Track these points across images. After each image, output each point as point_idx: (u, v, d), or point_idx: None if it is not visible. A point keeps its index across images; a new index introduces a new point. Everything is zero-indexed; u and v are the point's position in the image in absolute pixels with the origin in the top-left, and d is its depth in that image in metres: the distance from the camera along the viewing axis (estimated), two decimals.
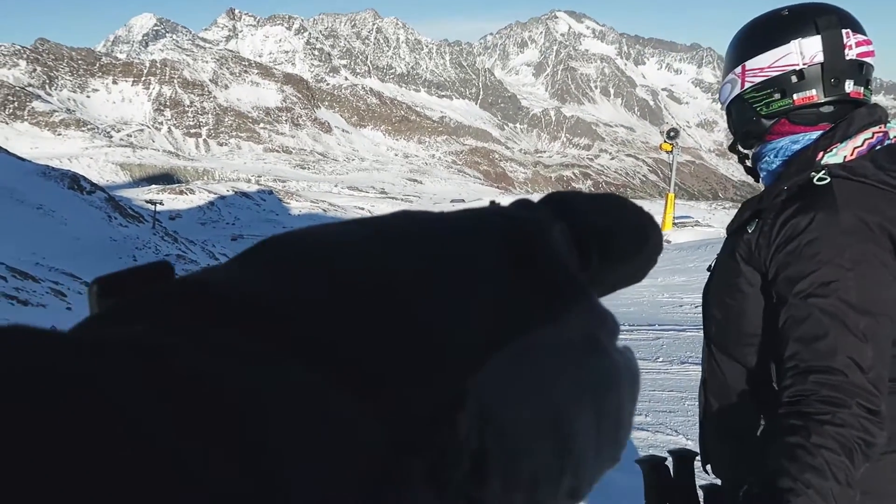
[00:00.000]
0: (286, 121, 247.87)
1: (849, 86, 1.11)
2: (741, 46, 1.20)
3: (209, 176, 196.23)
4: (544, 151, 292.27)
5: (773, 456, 0.92)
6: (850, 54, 1.10)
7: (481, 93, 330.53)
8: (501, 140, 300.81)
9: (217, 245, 71.54)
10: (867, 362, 0.92)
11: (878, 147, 1.06)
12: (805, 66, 1.10)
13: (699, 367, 1.31)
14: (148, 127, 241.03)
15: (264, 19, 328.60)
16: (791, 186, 1.07)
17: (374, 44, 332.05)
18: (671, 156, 22.84)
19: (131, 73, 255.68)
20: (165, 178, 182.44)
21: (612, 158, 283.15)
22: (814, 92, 1.11)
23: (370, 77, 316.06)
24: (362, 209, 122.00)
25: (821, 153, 1.06)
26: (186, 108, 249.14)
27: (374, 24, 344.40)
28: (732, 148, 1.28)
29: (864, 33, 1.13)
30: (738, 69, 1.19)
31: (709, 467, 1.25)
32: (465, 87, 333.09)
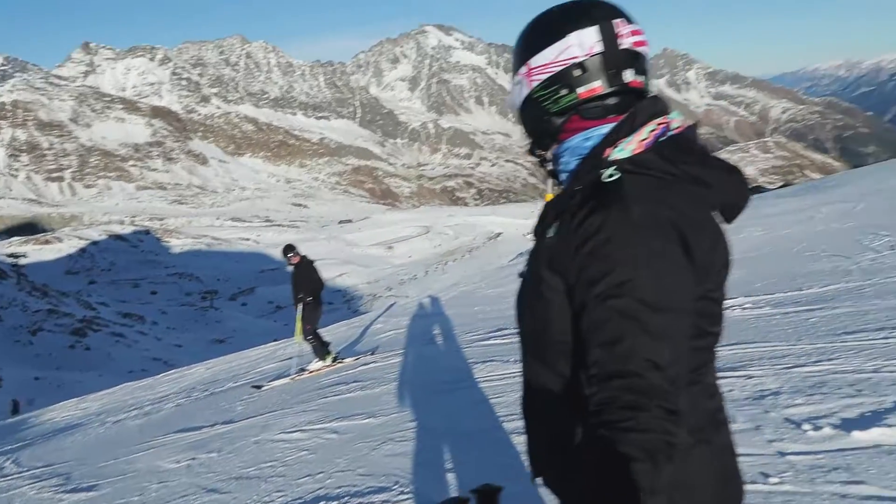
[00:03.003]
0: (158, 156, 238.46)
1: (628, 75, 1.11)
2: (524, 46, 1.17)
3: (78, 221, 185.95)
4: (427, 164, 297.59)
5: (584, 468, 0.92)
6: (625, 43, 1.10)
7: (359, 111, 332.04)
8: (384, 157, 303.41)
9: (93, 294, 69.56)
10: (664, 361, 0.91)
11: (663, 138, 1.06)
12: (586, 58, 1.09)
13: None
14: (3, 175, 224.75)
15: (124, 51, 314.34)
16: (584, 186, 1.06)
17: (245, 69, 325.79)
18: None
19: None
20: (28, 229, 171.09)
21: (493, 165, 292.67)
22: (598, 84, 1.10)
23: (244, 104, 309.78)
24: (248, 240, 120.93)
25: (609, 149, 1.06)
26: (45, 152, 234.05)
27: (242, 50, 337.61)
28: (531, 151, 1.22)
29: (636, 23, 1.13)
30: (524, 69, 1.15)
31: (539, 480, 1.21)
32: (343, 106, 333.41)
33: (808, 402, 3.31)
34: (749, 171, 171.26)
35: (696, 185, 1.04)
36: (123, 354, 49.67)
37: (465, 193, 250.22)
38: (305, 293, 8.32)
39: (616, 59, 1.10)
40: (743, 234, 12.73)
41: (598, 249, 0.97)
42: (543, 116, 1.15)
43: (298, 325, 8.45)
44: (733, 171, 1.10)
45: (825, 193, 16.00)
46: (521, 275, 1.20)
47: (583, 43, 1.09)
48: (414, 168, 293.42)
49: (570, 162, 1.14)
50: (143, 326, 60.17)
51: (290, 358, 9.40)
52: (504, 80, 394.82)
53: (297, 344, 8.79)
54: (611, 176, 1.03)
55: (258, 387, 7.85)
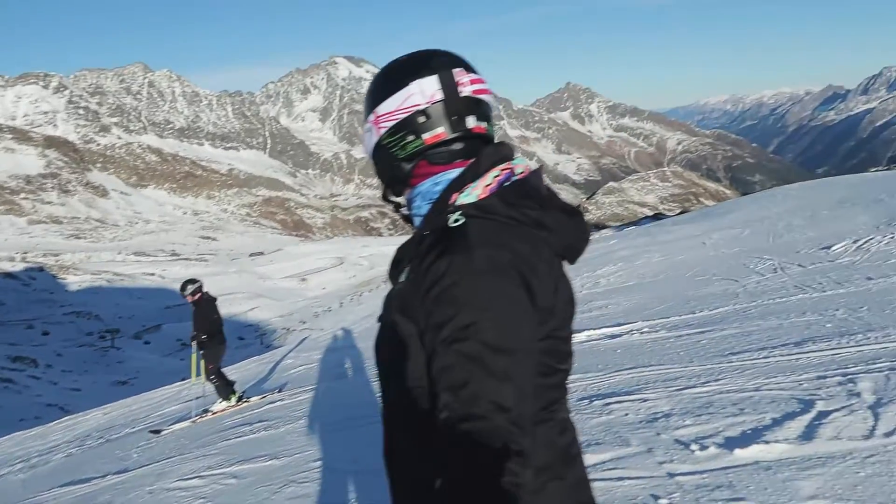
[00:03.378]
0: (53, 188, 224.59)
1: (471, 122, 1.16)
2: (371, 95, 1.22)
3: None
4: (340, 195, 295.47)
5: None
6: (466, 91, 1.15)
7: (269, 142, 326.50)
8: (295, 187, 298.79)
9: None
10: (509, 402, 0.92)
11: (507, 183, 1.09)
12: (428, 105, 1.13)
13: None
14: None
15: (14, 78, 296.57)
16: (432, 231, 1.08)
17: (148, 98, 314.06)
18: None
19: None
20: None
21: None
22: (441, 129, 1.14)
23: (147, 134, 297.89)
24: (152, 274, 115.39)
25: (455, 194, 1.09)
26: None
27: (144, 78, 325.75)
28: (385, 197, 1.26)
29: (476, 72, 1.19)
30: (373, 117, 1.20)
31: None
32: (252, 136, 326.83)
33: (696, 423, 3.46)
34: (650, 198, 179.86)
35: (537, 229, 1.08)
36: (13, 402, 45.82)
37: (380, 223, 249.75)
38: (202, 332, 8.00)
39: (457, 105, 1.15)
40: (642, 260, 13.33)
41: (443, 294, 0.99)
42: (393, 162, 1.19)
43: (193, 366, 8.12)
44: (574, 215, 1.15)
45: (715, 220, 17.03)
46: (379, 319, 1.20)
47: (424, 91, 1.15)
48: (327, 199, 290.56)
49: (421, 206, 1.18)
50: (35, 370, 55.84)
51: (196, 398, 8.98)
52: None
53: (195, 385, 8.43)
54: (456, 221, 1.06)
55: (157, 431, 7.44)
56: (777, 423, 3.25)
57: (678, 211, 66.58)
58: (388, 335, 1.11)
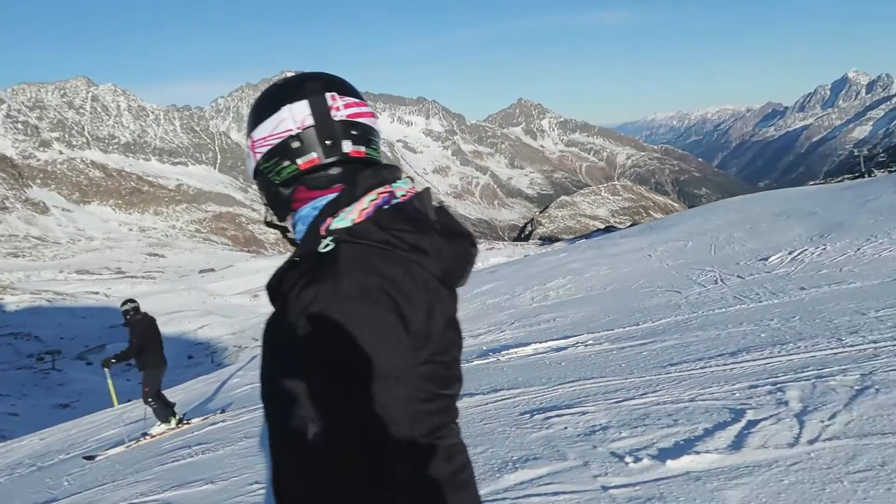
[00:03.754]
0: None
1: (346, 146, 1.14)
2: (248, 120, 1.22)
3: None
4: None
5: None
6: (339, 115, 1.14)
7: (219, 156, 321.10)
8: (246, 203, 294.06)
9: None
10: (380, 430, 0.92)
11: (386, 207, 1.08)
12: (300, 130, 1.13)
13: None
14: None
15: None
16: (304, 256, 1.06)
17: (92, 113, 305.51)
18: None
19: None
20: None
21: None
22: (315, 155, 1.13)
23: (90, 149, 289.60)
24: (96, 293, 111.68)
25: (329, 219, 1.07)
26: None
27: (87, 93, 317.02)
28: (267, 221, 1.25)
29: (354, 96, 1.18)
30: (249, 142, 1.20)
31: None
32: (201, 151, 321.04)
33: (632, 435, 3.49)
34: (601, 211, 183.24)
35: (413, 253, 1.06)
36: None
37: None
38: (126, 355, 7.71)
39: (330, 130, 1.14)
40: (591, 273, 13.53)
41: (312, 322, 0.97)
42: (271, 188, 1.18)
43: (112, 392, 7.85)
44: (457, 238, 1.13)
45: (661, 233, 17.43)
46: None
47: (295, 116, 1.13)
48: None
49: (302, 231, 1.16)
50: None
51: (138, 421, 8.65)
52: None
53: (116, 408, 8.15)
54: (326, 246, 1.05)
55: (91, 457, 7.14)
56: (709, 433, 3.30)
57: (629, 223, 68.05)
58: (269, 364, 1.07)
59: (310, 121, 1.13)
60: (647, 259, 13.52)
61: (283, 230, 1.24)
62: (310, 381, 0.95)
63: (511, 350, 7.11)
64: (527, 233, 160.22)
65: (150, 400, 7.76)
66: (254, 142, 1.19)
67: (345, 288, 0.98)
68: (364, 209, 1.07)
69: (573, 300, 10.88)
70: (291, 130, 1.14)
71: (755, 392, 3.84)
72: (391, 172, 1.15)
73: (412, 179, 1.20)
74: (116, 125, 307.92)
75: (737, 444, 3.10)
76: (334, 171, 1.15)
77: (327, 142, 1.14)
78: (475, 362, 6.86)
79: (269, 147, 1.16)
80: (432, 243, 1.08)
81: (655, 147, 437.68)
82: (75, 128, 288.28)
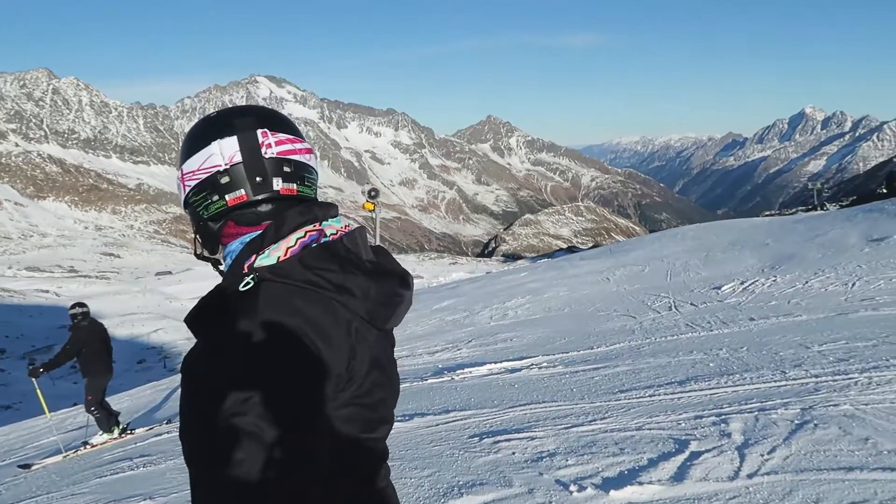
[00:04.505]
0: None
1: (277, 183, 1.12)
2: (180, 151, 1.19)
3: None
4: None
5: None
6: (270, 152, 1.12)
7: None
8: None
9: None
10: (290, 476, 0.89)
11: (314, 245, 1.06)
12: (228, 167, 1.11)
13: None
14: None
15: None
16: (224, 293, 1.05)
17: (52, 106, 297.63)
18: (374, 214, 26.39)
19: None
20: None
21: None
22: (243, 192, 1.11)
23: (48, 143, 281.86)
24: (47, 291, 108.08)
25: (254, 256, 1.05)
26: None
27: (48, 85, 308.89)
28: (199, 255, 1.22)
29: (289, 132, 1.16)
30: (179, 173, 1.17)
31: None
32: (164, 152, 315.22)
33: (578, 463, 3.51)
34: (565, 231, 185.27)
35: (338, 294, 1.05)
36: None
37: None
38: (56, 362, 7.45)
39: (259, 167, 1.12)
40: (550, 294, 13.64)
41: (226, 362, 0.94)
42: (201, 222, 1.16)
43: (42, 401, 7.59)
44: (387, 279, 1.12)
45: (620, 257, 17.69)
46: None
47: (224, 152, 1.12)
48: None
49: (229, 266, 1.13)
50: None
51: (80, 428, 8.36)
52: (336, 135, 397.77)
53: (48, 419, 7.89)
54: (247, 284, 1.03)
55: (26, 466, 6.87)
56: (653, 463, 3.34)
57: (591, 244, 68.89)
58: (181, 398, 1.03)
59: (238, 157, 1.11)
60: (606, 282, 13.70)
61: (215, 263, 1.21)
62: (218, 425, 0.91)
63: (466, 369, 7.10)
64: (490, 249, 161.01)
65: (92, 409, 7.52)
66: (183, 174, 1.16)
67: (264, 329, 0.96)
68: (290, 247, 1.05)
69: (531, 320, 10.94)
70: (220, 166, 1.12)
71: (700, 422, 3.90)
72: (323, 210, 1.13)
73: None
74: (77, 120, 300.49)
75: (679, 475, 3.15)
76: (264, 207, 1.13)
77: (257, 179, 1.12)
78: (430, 380, 6.83)
79: (197, 181, 1.14)
80: (359, 283, 1.07)
81: (619, 170, 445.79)
82: (33, 120, 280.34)
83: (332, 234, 1.10)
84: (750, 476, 3.02)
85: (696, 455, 3.36)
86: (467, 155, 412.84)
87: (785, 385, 4.52)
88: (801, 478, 2.93)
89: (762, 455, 3.24)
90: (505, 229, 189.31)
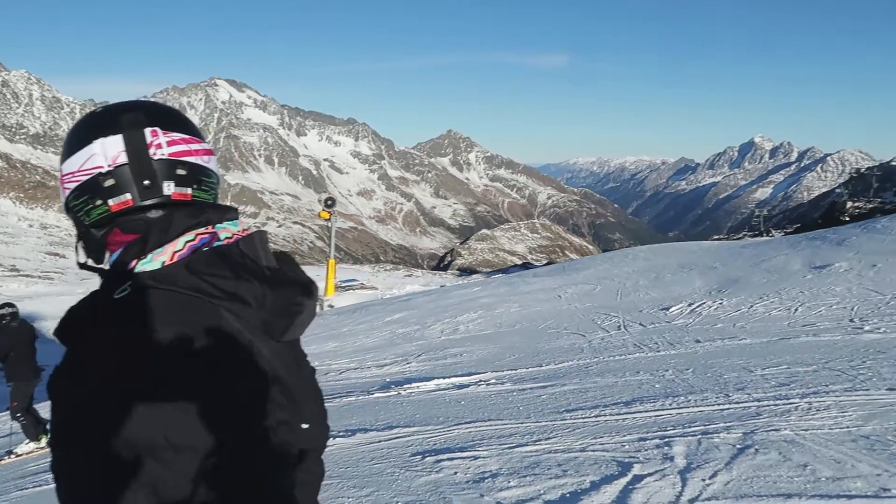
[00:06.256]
0: None
1: (168, 187, 1.02)
2: (62, 150, 1.06)
3: None
4: None
5: None
6: (160, 153, 1.02)
7: None
8: None
9: None
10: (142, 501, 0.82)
11: (205, 248, 0.97)
12: (112, 168, 1.00)
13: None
14: None
15: None
16: (98, 301, 0.96)
17: (0, 99, 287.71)
18: (330, 223, 25.80)
19: None
20: None
21: (280, 226, 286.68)
22: (129, 196, 1.00)
23: None
24: None
25: (134, 261, 0.95)
26: None
27: None
28: (83, 265, 1.08)
29: (184, 132, 1.06)
30: (60, 175, 1.04)
31: None
32: None
33: (520, 485, 3.44)
34: (520, 248, 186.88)
35: (229, 302, 0.94)
36: None
37: None
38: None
39: (147, 170, 1.02)
40: (501, 309, 13.63)
41: (93, 375, 0.86)
42: (83, 229, 1.06)
43: None
44: (286, 286, 1.01)
45: (573, 275, 17.84)
46: None
47: (107, 152, 1.01)
48: None
49: None
50: None
51: (4, 436, 7.93)
52: (296, 142, 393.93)
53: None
54: (123, 291, 0.93)
55: None
56: (595, 486, 3.29)
57: (545, 261, 69.59)
58: (51, 414, 0.93)
59: (123, 158, 1.01)
60: (557, 300, 13.77)
61: (102, 273, 1.07)
62: (86, 445, 0.84)
63: (414, 384, 6.99)
64: (446, 263, 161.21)
65: (18, 415, 7.14)
66: (63, 175, 1.05)
67: (133, 342, 0.87)
68: (178, 251, 0.96)
69: (482, 336, 10.89)
70: (102, 167, 1.01)
71: (644, 445, 3.88)
72: (218, 212, 1.03)
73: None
74: (27, 114, 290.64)
75: (621, 499, 3.10)
76: (154, 214, 1.03)
77: (144, 182, 1.02)
78: (376, 394, 6.70)
79: (77, 183, 1.03)
80: (254, 291, 0.96)
81: (575, 190, 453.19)
82: None
83: (226, 238, 1.00)
84: (691, 501, 2.99)
85: (638, 479, 3.32)
86: (426, 168, 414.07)
87: (728, 408, 4.55)
88: None
89: (703, 480, 3.22)
90: (461, 243, 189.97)
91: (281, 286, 1.00)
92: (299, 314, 1.03)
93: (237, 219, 1.06)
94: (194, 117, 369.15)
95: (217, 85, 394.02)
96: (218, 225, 1.02)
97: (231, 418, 0.89)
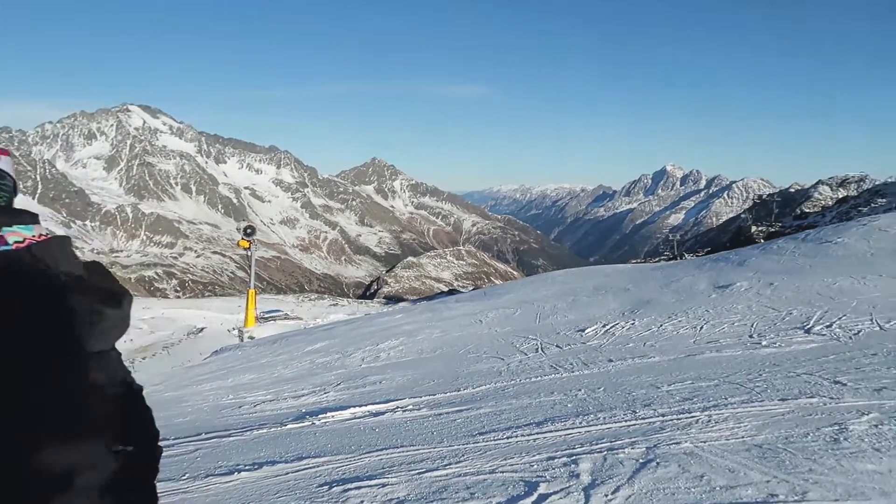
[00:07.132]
0: None
1: None
2: None
3: None
4: (121, 251, 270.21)
5: None
6: None
7: (40, 186, 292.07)
8: (71, 238, 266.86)
9: None
10: None
11: None
12: None
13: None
14: None
15: None
16: None
17: None
18: (250, 252, 24.76)
19: None
20: None
21: (199, 256, 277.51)
22: None
23: None
24: None
25: None
26: None
27: None
28: None
29: None
30: None
31: None
32: (20, 179, 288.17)
33: None
34: (446, 274, 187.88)
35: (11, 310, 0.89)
36: None
37: (166, 284, 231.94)
38: None
39: None
40: (423, 335, 13.58)
41: None
42: None
43: None
44: (85, 294, 0.97)
45: (494, 300, 18.02)
46: None
47: None
48: (106, 254, 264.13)
49: None
50: None
51: None
52: (214, 170, 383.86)
53: None
54: None
55: None
56: None
57: (471, 288, 70.15)
58: None
59: None
60: (478, 324, 13.85)
61: None
62: None
63: (329, 413, 6.82)
64: (372, 291, 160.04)
65: None
66: None
67: None
68: None
69: (402, 362, 10.80)
70: None
71: (552, 464, 3.90)
72: (9, 216, 0.97)
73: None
74: None
75: None
76: None
77: None
78: (290, 426, 6.49)
79: None
80: (45, 300, 0.92)
81: (499, 217, 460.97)
82: None
83: (16, 243, 0.94)
84: None
85: (543, 497, 3.33)
86: (351, 196, 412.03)
87: (634, 424, 4.65)
88: None
89: (606, 495, 3.26)
90: (387, 271, 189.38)
91: (80, 294, 0.95)
92: (98, 324, 0.97)
93: (35, 223, 1.00)
94: (104, 144, 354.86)
95: (129, 111, 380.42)
96: (6, 228, 0.95)
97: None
